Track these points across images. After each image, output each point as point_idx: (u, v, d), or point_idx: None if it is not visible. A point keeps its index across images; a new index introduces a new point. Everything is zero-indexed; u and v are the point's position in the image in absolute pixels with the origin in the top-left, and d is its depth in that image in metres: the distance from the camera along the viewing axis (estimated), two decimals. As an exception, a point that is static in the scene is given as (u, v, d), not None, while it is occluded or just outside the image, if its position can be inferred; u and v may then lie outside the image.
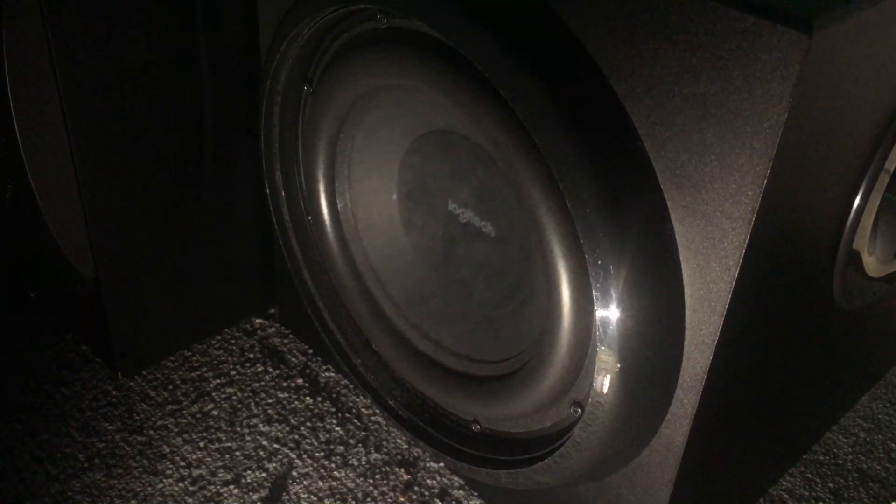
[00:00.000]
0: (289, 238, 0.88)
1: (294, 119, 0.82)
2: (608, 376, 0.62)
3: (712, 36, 0.52)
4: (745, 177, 0.53)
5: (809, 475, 0.90)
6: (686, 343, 0.61)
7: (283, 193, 0.86)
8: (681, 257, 0.59)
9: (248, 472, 0.87)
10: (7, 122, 0.85)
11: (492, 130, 0.62)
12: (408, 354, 0.82)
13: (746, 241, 0.55)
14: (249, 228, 0.98)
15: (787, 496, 0.88)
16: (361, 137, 0.78)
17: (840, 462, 0.92)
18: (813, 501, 0.87)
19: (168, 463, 0.87)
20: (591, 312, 0.63)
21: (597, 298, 0.60)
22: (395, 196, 0.82)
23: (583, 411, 0.67)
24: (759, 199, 0.53)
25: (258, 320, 1.05)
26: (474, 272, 0.79)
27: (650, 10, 0.54)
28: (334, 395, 0.96)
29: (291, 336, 1.03)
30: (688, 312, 0.60)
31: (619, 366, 0.61)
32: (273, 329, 1.04)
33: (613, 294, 0.59)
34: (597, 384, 0.63)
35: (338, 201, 0.82)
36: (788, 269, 0.65)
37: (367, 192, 0.82)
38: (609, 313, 0.60)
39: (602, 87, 0.58)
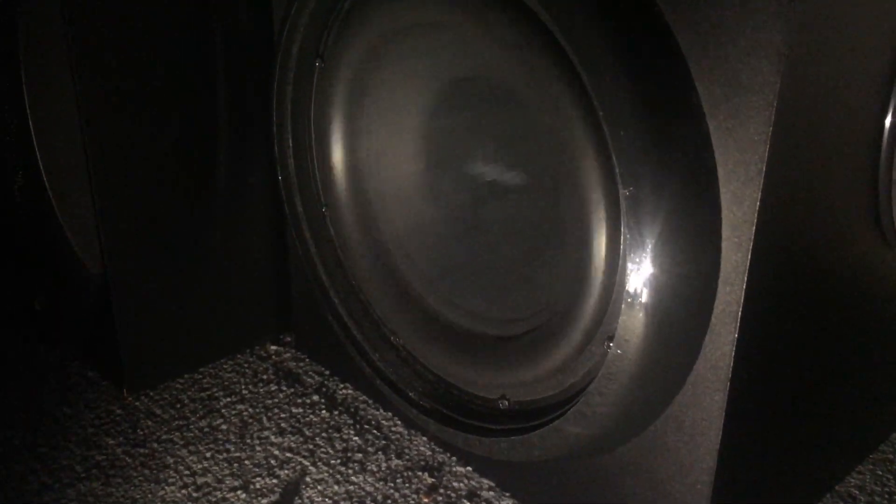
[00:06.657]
0: (302, 231, 0.85)
1: (307, 101, 0.81)
2: (640, 310, 0.57)
3: None
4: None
5: (879, 472, 0.81)
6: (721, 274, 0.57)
7: (297, 182, 0.84)
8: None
9: (258, 479, 0.80)
10: (23, 122, 0.85)
11: (534, 64, 0.60)
12: (435, 335, 0.77)
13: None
14: (265, 250, 0.95)
15: (856, 492, 0.78)
16: (378, 108, 0.76)
17: (912, 462, 0.83)
18: (887, 497, 0.78)
19: (171, 472, 0.80)
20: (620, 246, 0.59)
21: (629, 229, 0.56)
22: (419, 165, 0.79)
23: (612, 341, 0.61)
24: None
25: (273, 346, 1.00)
26: (502, 231, 0.75)
27: None
28: (352, 410, 0.89)
29: (308, 360, 0.98)
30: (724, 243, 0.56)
31: (649, 297, 0.56)
32: (288, 354, 0.99)
33: (646, 224, 0.55)
34: (627, 318, 0.57)
35: (364, 178, 0.79)
36: (821, 183, 0.60)
37: (390, 165, 0.79)
38: (642, 250, 0.56)
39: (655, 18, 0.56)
